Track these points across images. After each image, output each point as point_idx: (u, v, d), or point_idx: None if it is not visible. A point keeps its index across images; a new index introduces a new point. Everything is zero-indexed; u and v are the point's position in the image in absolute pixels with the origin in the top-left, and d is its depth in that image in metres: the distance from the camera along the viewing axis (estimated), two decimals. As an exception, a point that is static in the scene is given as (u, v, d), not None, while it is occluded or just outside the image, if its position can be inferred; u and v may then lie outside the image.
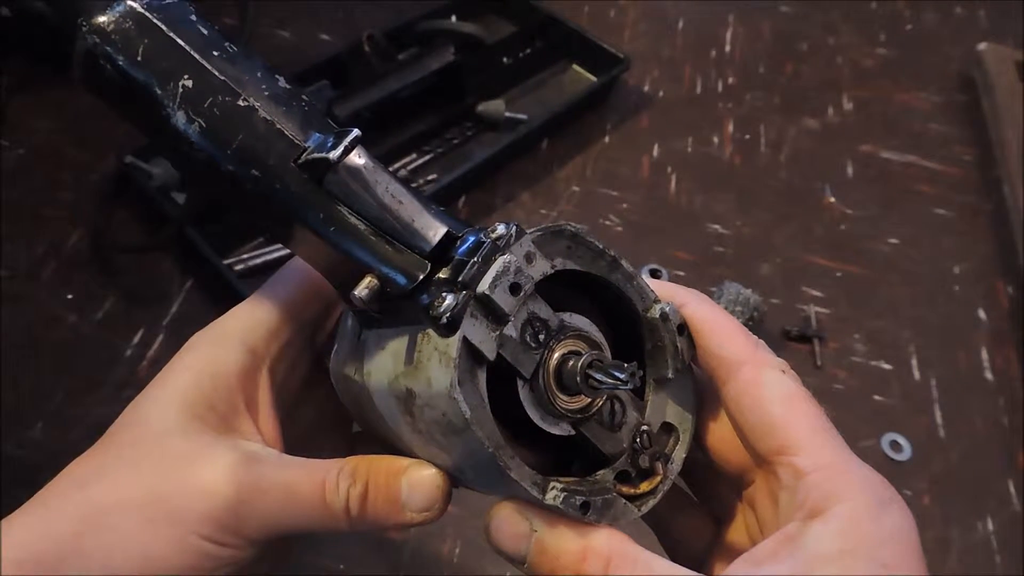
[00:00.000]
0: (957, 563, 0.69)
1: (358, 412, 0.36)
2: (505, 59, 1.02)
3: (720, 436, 0.35)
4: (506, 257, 0.29)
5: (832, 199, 0.96)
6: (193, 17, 0.31)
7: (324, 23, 1.07)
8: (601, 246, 0.32)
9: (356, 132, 0.30)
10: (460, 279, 0.29)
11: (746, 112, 1.04)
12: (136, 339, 0.75)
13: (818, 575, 0.27)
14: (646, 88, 1.06)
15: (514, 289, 0.29)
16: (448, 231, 0.31)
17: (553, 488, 0.29)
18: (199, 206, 0.77)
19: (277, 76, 0.32)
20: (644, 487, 0.32)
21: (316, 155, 0.30)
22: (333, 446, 0.40)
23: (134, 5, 0.31)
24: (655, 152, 0.98)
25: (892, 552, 0.28)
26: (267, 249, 0.81)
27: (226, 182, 0.31)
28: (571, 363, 0.30)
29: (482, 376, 0.29)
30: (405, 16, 1.00)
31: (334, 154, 0.29)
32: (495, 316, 0.29)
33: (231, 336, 0.36)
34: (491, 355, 0.29)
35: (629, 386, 0.30)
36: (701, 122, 1.03)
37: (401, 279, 0.30)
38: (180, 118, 0.30)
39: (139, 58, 0.30)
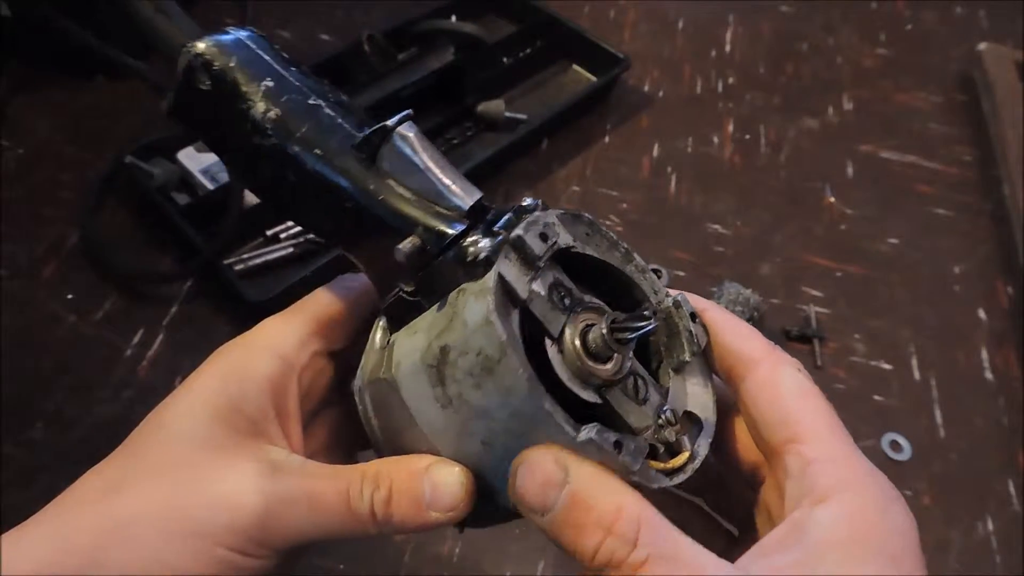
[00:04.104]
0: (957, 563, 0.69)
1: (384, 422, 0.35)
2: (505, 59, 1.02)
3: (734, 437, 0.35)
4: (537, 212, 0.32)
5: (832, 199, 0.96)
6: (276, 47, 0.38)
7: (324, 23, 1.07)
8: (615, 237, 0.34)
9: (408, 111, 0.35)
10: (495, 228, 0.32)
11: (746, 112, 1.04)
12: (136, 339, 0.75)
13: (826, 563, 0.27)
14: (646, 88, 1.06)
15: (544, 237, 0.32)
16: (481, 197, 0.34)
17: (585, 428, 0.30)
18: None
19: (339, 93, 0.37)
20: (673, 463, 0.32)
21: (375, 127, 0.34)
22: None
23: (231, 31, 0.37)
24: (655, 152, 0.98)
25: (899, 546, 0.29)
26: (267, 249, 0.81)
27: (290, 164, 0.35)
28: (595, 327, 0.32)
29: (515, 318, 0.30)
30: (405, 16, 1.00)
31: (391, 122, 0.34)
32: (527, 260, 0.31)
33: (261, 343, 0.36)
34: (524, 294, 0.31)
35: (654, 325, 0.31)
36: (701, 122, 1.03)
37: (444, 231, 0.33)
38: (260, 108, 0.35)
39: (231, 64, 0.36)
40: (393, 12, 1.03)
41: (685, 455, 0.33)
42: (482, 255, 0.30)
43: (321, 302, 0.38)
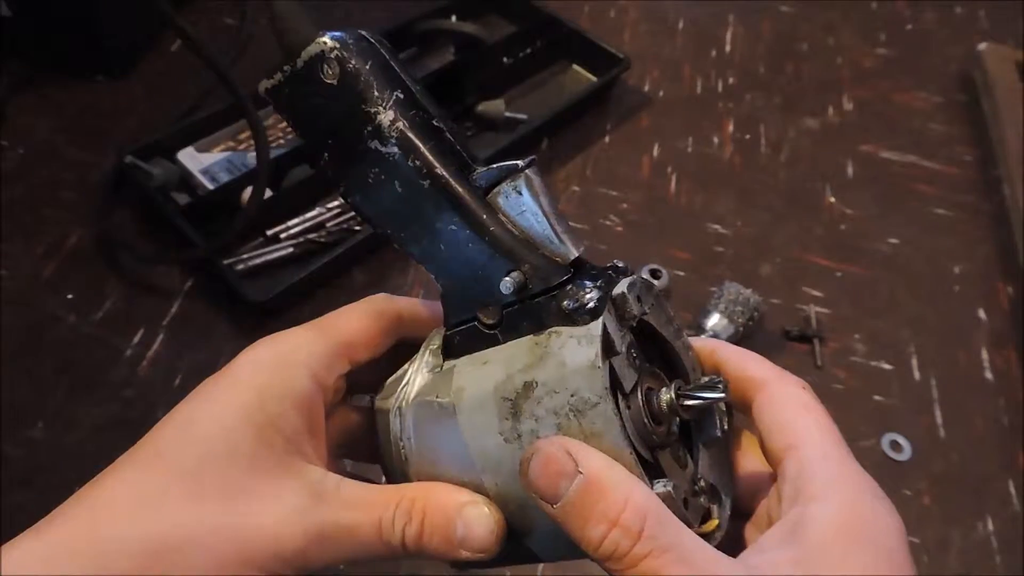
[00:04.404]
0: (957, 563, 0.69)
1: (422, 445, 0.35)
2: (505, 59, 1.02)
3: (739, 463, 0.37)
4: (635, 276, 0.34)
5: (832, 199, 0.96)
6: (401, 58, 0.37)
7: (324, 23, 1.07)
8: (672, 313, 0.37)
9: (534, 156, 0.35)
10: (598, 283, 0.33)
11: (746, 112, 1.04)
12: (136, 339, 0.75)
13: (823, 557, 0.28)
14: (646, 88, 1.06)
15: (638, 300, 0.34)
16: (583, 252, 0.35)
17: (659, 482, 0.31)
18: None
19: (452, 120, 0.37)
20: (706, 528, 0.34)
21: (504, 163, 0.35)
22: None
23: (365, 34, 0.37)
24: (655, 152, 0.98)
25: (892, 541, 0.29)
26: (267, 249, 0.81)
27: (403, 176, 0.35)
28: (662, 391, 0.34)
29: (607, 368, 0.31)
30: (405, 16, 1.00)
31: (521, 163, 0.35)
32: (623, 318, 0.33)
33: (297, 359, 0.35)
34: (620, 348, 0.32)
35: (724, 396, 0.33)
36: (701, 122, 1.03)
37: (549, 275, 0.34)
38: (388, 116, 0.35)
39: (367, 67, 0.35)
40: (393, 12, 1.03)
41: (715, 523, 0.34)
42: (589, 304, 0.32)
43: (352, 324, 0.38)
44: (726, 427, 0.36)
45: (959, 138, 1.04)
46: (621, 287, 0.33)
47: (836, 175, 0.98)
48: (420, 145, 0.35)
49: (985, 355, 0.83)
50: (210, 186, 0.84)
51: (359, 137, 0.35)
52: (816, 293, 0.86)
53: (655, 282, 0.82)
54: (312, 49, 0.36)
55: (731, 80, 1.08)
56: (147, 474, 0.32)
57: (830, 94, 1.08)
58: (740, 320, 0.77)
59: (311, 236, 0.82)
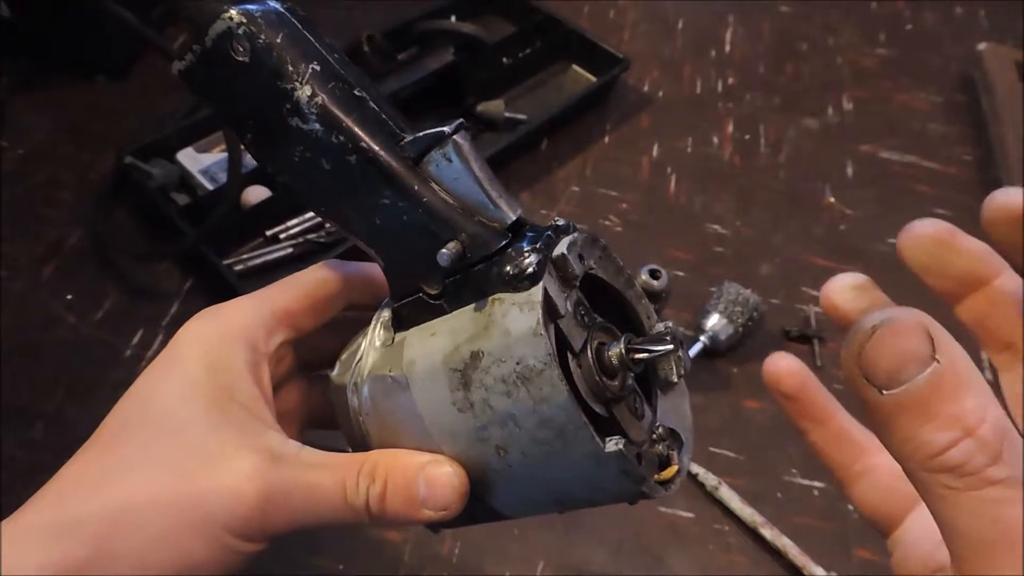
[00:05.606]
0: (957, 563, 0.69)
1: (381, 419, 0.36)
2: (505, 59, 1.02)
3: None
4: (575, 233, 0.33)
5: (832, 199, 0.96)
6: (318, 30, 0.36)
7: (324, 23, 1.06)
8: (621, 263, 0.36)
9: (461, 119, 0.34)
10: (538, 245, 0.32)
11: (746, 112, 1.04)
12: (136, 339, 0.75)
13: None
14: (646, 88, 1.06)
15: (580, 258, 0.33)
16: (521, 214, 0.34)
17: (611, 440, 0.31)
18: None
19: (377, 87, 0.36)
20: (664, 475, 0.34)
21: (430, 131, 0.33)
22: None
23: (276, 6, 0.35)
24: (655, 152, 0.98)
25: None
26: (267, 249, 0.81)
27: (328, 153, 0.34)
28: (611, 345, 0.33)
29: (552, 332, 0.31)
30: (405, 16, 1.00)
31: (448, 129, 0.33)
32: (565, 278, 0.32)
33: (236, 333, 0.36)
34: (563, 311, 0.31)
35: (672, 348, 0.33)
36: (701, 122, 1.03)
37: (487, 241, 0.33)
38: (305, 92, 0.34)
39: (279, 40, 0.34)
40: (393, 12, 1.03)
41: (674, 468, 0.34)
42: (528, 270, 0.31)
43: (290, 292, 0.38)
44: (683, 372, 0.36)
45: (959, 138, 1.04)
46: (561, 247, 0.32)
47: (836, 175, 0.98)
48: (343, 119, 0.34)
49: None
50: (210, 186, 0.84)
51: (279, 116, 0.34)
52: (816, 293, 0.86)
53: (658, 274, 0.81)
54: (219, 26, 0.34)
55: (731, 80, 1.08)
56: (108, 452, 0.33)
57: (830, 94, 1.08)
58: (740, 320, 0.77)
59: (311, 236, 0.82)
